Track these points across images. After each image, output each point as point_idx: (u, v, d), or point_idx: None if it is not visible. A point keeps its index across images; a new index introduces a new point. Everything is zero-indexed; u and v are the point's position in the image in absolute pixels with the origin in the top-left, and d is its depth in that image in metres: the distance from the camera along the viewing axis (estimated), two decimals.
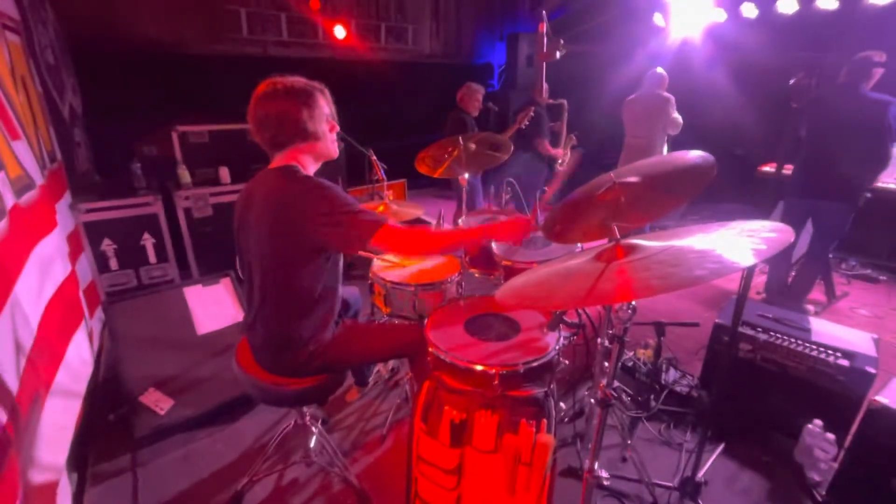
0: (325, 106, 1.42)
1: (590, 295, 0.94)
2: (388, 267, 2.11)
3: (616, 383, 1.34)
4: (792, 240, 0.91)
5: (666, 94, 3.78)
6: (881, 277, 3.80)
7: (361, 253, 1.85)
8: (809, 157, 2.93)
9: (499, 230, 1.48)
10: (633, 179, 1.21)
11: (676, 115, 3.77)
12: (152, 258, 3.28)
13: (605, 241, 1.15)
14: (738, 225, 1.01)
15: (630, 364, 2.46)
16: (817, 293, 3.36)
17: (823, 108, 2.81)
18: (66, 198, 2.82)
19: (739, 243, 0.92)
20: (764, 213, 3.28)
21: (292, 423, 1.88)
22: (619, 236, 1.09)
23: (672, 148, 4.03)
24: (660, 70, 3.85)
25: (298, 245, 1.34)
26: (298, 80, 1.38)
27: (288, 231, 1.33)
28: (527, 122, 3.78)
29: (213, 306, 2.62)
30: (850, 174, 2.75)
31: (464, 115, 3.84)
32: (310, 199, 1.30)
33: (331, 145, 1.48)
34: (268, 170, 1.43)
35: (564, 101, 4.05)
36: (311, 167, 1.46)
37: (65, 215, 2.64)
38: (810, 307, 3.23)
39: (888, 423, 1.55)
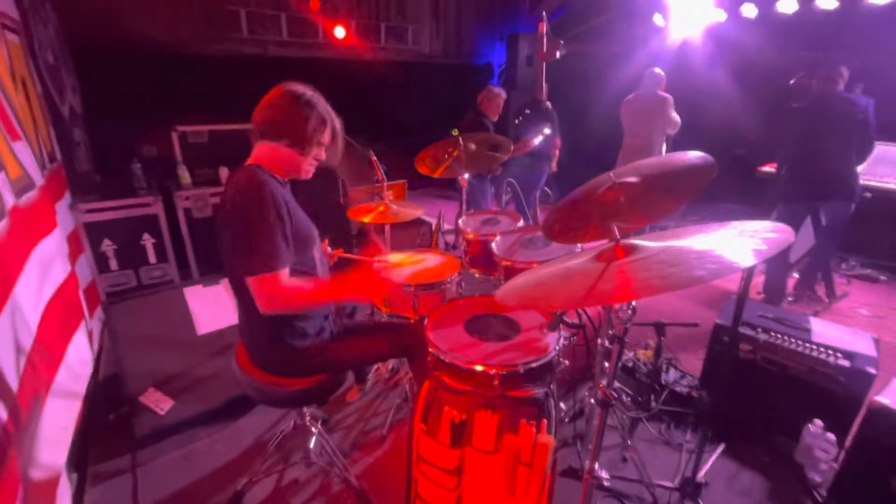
0: (328, 136, 1.42)
1: (590, 295, 0.93)
2: (388, 267, 2.11)
3: (616, 384, 1.34)
4: (792, 240, 0.92)
5: (664, 93, 3.77)
6: (881, 277, 3.80)
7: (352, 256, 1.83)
8: (804, 162, 3.00)
9: (352, 290, 1.41)
10: (632, 179, 1.21)
11: (675, 115, 3.77)
12: (152, 258, 3.28)
13: (605, 241, 1.15)
14: (738, 225, 1.01)
15: (630, 364, 2.46)
16: (817, 293, 3.37)
17: (811, 115, 2.93)
18: (66, 198, 2.82)
19: (739, 244, 0.92)
20: (764, 214, 3.28)
21: (292, 423, 1.88)
22: (618, 237, 1.09)
23: (672, 148, 4.03)
24: (658, 70, 3.85)
25: None
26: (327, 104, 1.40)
27: (233, 228, 1.29)
28: (536, 143, 3.67)
29: (213, 306, 2.62)
30: (847, 171, 2.87)
31: (483, 118, 3.65)
32: (245, 194, 1.27)
33: (308, 167, 1.46)
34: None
35: (528, 111, 4.03)
36: (281, 173, 1.43)
37: (65, 215, 2.64)
38: (816, 310, 3.23)
39: (888, 423, 1.55)
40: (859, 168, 2.95)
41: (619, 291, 0.92)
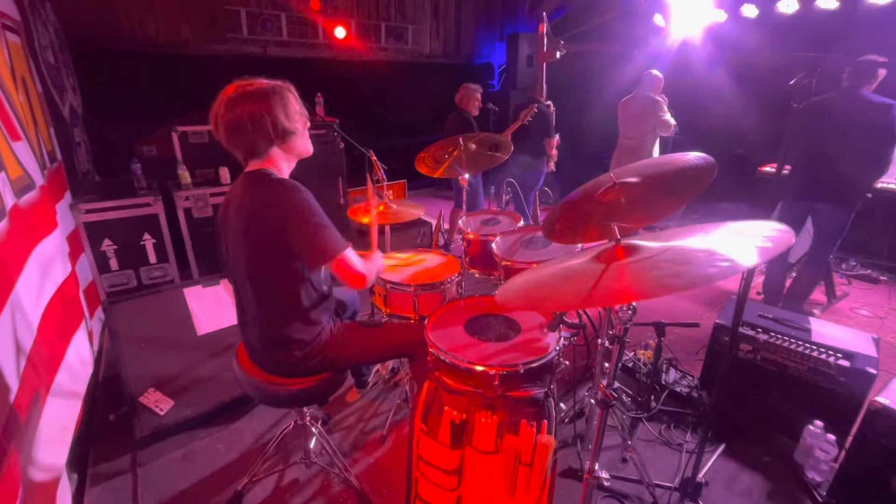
0: (296, 103, 1.40)
1: (598, 295, 0.93)
2: (388, 268, 2.10)
3: (616, 384, 1.33)
4: (793, 241, 0.91)
5: (656, 96, 3.79)
6: (881, 277, 3.80)
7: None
8: (808, 159, 2.90)
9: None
10: (633, 180, 1.22)
11: (667, 117, 3.77)
12: (152, 258, 3.28)
13: (605, 241, 1.15)
14: (736, 225, 1.00)
15: (630, 364, 2.46)
16: (818, 293, 3.36)
17: (824, 110, 2.77)
18: (67, 198, 2.82)
19: (742, 243, 0.92)
20: (765, 214, 3.27)
21: (292, 423, 1.88)
22: (619, 237, 1.09)
23: (673, 149, 4.03)
24: (655, 72, 3.86)
25: (275, 249, 1.32)
26: (264, 81, 1.35)
27: (263, 236, 1.31)
28: (530, 119, 3.76)
29: (213, 306, 2.62)
30: (849, 177, 2.73)
31: (466, 115, 3.84)
32: (285, 201, 1.28)
33: (306, 142, 1.45)
34: (241, 175, 1.40)
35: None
36: (286, 169, 1.43)
37: (65, 216, 2.64)
38: (816, 311, 3.22)
39: (888, 423, 1.55)
40: (879, 177, 2.76)
41: (629, 291, 0.91)
